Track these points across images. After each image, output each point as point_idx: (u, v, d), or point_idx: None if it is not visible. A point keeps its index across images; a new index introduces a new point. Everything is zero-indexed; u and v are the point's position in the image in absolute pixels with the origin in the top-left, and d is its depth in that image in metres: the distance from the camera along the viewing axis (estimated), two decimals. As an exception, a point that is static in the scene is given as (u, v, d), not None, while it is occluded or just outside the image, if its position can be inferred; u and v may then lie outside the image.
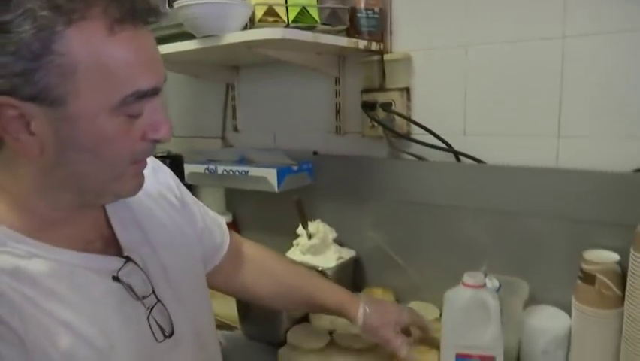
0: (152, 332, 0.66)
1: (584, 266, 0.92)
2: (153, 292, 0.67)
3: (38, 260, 0.55)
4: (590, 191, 0.97)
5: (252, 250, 0.97)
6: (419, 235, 1.19)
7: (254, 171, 1.24)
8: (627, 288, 0.87)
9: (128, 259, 0.65)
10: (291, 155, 1.28)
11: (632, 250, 0.85)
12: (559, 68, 1.00)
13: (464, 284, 0.83)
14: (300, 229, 1.24)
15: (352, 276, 1.27)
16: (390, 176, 1.21)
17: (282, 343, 1.06)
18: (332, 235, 1.24)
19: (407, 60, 1.17)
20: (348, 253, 1.25)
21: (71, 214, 0.62)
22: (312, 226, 1.23)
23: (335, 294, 0.93)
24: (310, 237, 1.21)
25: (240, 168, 1.26)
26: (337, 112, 1.31)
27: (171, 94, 1.65)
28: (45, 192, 0.57)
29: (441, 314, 1.12)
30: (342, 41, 1.07)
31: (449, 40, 1.11)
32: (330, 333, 1.06)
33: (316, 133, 1.36)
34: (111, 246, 0.67)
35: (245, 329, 1.12)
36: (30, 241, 0.56)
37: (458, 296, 0.84)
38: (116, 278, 0.63)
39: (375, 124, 1.21)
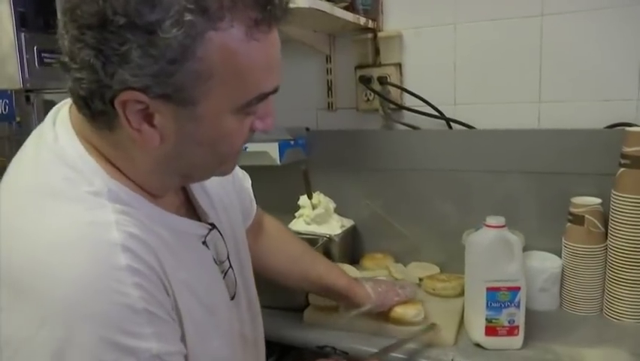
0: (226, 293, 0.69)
1: (573, 210, 1.06)
2: (228, 258, 0.70)
3: (158, 223, 0.57)
4: (568, 147, 1.12)
5: (272, 224, 1.00)
6: (414, 199, 1.28)
7: (253, 147, 1.26)
8: (609, 223, 1.03)
9: (213, 226, 0.67)
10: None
11: (612, 191, 1.01)
12: (538, 42, 1.15)
13: (487, 226, 0.93)
14: (303, 201, 1.28)
15: (352, 243, 1.33)
16: (385, 146, 1.29)
17: (302, 308, 1.09)
18: (332, 205, 1.29)
19: (398, 37, 1.26)
20: (348, 222, 1.32)
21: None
22: (314, 197, 1.27)
23: (343, 278, 0.99)
24: (314, 207, 1.26)
25: (238, 145, 1.27)
26: (329, 89, 1.37)
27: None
28: (155, 177, 0.58)
29: (441, 271, 1.24)
30: (349, 16, 1.14)
31: (439, 18, 1.23)
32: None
33: (307, 110, 1.41)
34: (190, 210, 0.68)
35: (263, 300, 1.13)
36: (149, 205, 0.57)
37: (482, 237, 0.93)
38: (204, 243, 0.65)
39: (370, 98, 1.29)
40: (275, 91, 0.56)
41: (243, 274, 0.75)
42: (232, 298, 0.71)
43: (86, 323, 0.46)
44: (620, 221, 0.99)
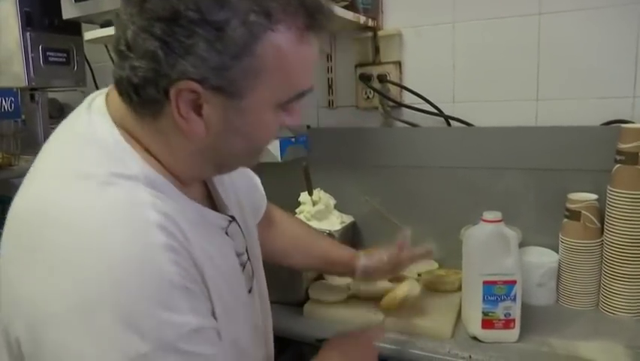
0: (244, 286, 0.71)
1: (570, 205, 1.08)
2: (246, 250, 0.72)
3: (187, 210, 0.59)
4: (565, 144, 1.13)
5: (276, 211, 1.02)
6: (413, 196, 1.30)
7: (255, 144, 1.28)
8: (605, 219, 1.04)
9: (233, 219, 0.69)
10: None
11: (608, 187, 1.03)
12: (536, 41, 1.16)
13: (484, 220, 0.95)
14: (303, 197, 1.30)
15: (352, 239, 1.35)
16: (385, 143, 1.31)
17: (302, 302, 1.11)
18: (332, 201, 1.31)
19: (398, 36, 1.28)
20: (348, 218, 1.33)
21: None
22: (314, 194, 1.29)
23: (346, 251, 1.02)
24: (314, 204, 1.27)
25: (240, 142, 1.29)
26: (329, 87, 1.38)
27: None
28: (192, 166, 0.60)
29: (439, 266, 1.25)
30: (349, 15, 1.16)
31: (438, 17, 1.24)
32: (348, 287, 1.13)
33: (308, 108, 1.43)
34: (211, 203, 0.71)
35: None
36: (179, 193, 0.59)
37: (479, 231, 0.95)
38: (226, 234, 0.67)
39: (370, 95, 1.31)
40: (310, 90, 0.60)
41: (257, 267, 0.77)
42: (249, 291, 0.73)
43: (128, 297, 0.48)
44: (615, 216, 1.01)
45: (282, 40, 0.53)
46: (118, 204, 0.52)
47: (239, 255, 0.70)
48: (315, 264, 1.06)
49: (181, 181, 0.61)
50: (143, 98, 0.54)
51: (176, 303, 0.51)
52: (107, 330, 0.47)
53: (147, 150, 0.58)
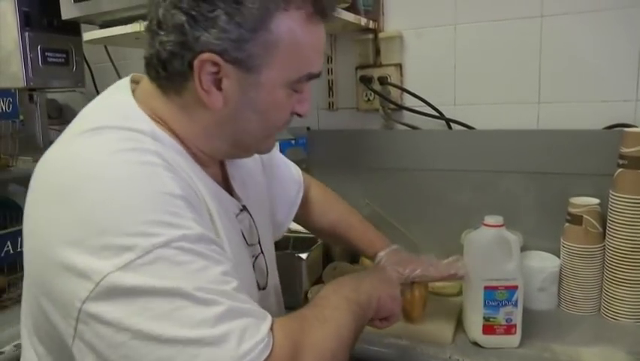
0: (256, 280, 0.72)
1: (572, 210, 1.07)
2: (259, 242, 0.73)
3: (199, 180, 0.62)
4: (567, 147, 1.13)
5: (318, 192, 1.06)
6: (414, 199, 1.29)
7: (254, 146, 1.27)
8: (607, 224, 1.03)
9: (244, 208, 0.71)
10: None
11: (611, 192, 1.02)
12: (537, 43, 1.16)
13: (485, 225, 0.94)
14: (303, 200, 1.29)
15: (352, 242, 1.34)
16: (385, 146, 1.30)
17: (301, 304, 1.10)
18: (332, 204, 1.30)
19: (399, 38, 1.27)
20: (348, 221, 1.32)
21: (214, 163, 0.69)
22: (314, 196, 1.28)
23: (374, 243, 1.04)
24: (314, 206, 1.26)
25: (239, 144, 1.28)
26: (330, 89, 1.38)
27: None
28: (210, 139, 0.64)
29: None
30: (350, 17, 1.15)
31: (439, 19, 1.24)
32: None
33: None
34: (227, 190, 0.72)
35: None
36: (194, 163, 0.63)
37: (481, 236, 0.94)
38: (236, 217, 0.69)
39: (371, 98, 1.30)
40: (319, 75, 0.65)
41: (271, 266, 0.78)
42: (263, 288, 0.74)
43: (129, 209, 0.50)
44: (618, 221, 1.00)
45: (293, 18, 0.58)
46: (117, 141, 0.55)
47: (250, 245, 0.71)
48: (347, 245, 1.10)
49: (199, 160, 0.64)
50: (169, 72, 0.59)
51: (179, 210, 0.52)
52: (111, 245, 0.48)
53: (167, 125, 0.62)
